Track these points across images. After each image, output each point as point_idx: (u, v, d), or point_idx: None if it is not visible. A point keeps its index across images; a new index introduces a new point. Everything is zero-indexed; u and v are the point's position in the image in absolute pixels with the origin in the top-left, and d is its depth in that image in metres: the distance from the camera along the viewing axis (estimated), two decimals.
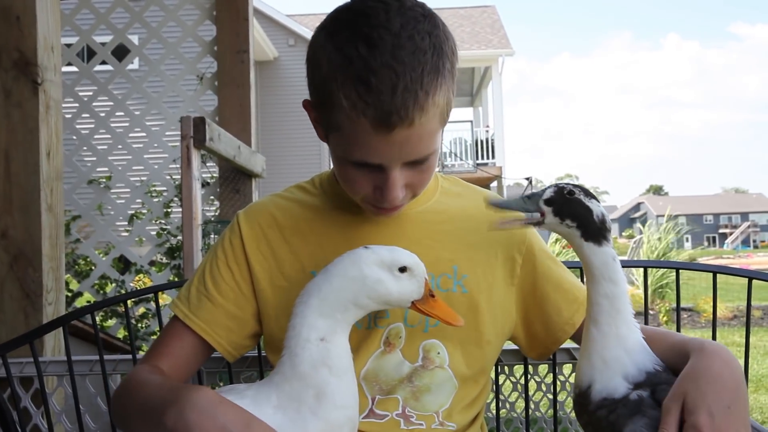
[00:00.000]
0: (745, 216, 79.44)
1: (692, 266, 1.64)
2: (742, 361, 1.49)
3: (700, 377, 0.95)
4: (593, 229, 1.01)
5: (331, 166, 1.22)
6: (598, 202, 1.04)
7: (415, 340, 1.17)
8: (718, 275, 1.54)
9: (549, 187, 1.04)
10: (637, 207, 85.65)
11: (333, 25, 1.04)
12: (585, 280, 1.05)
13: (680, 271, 1.57)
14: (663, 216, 10.62)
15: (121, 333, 3.90)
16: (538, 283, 1.23)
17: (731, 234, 74.62)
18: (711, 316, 1.55)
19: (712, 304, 1.57)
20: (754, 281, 1.51)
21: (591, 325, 1.04)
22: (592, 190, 1.06)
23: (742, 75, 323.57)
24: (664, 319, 7.73)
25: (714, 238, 75.76)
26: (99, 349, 1.54)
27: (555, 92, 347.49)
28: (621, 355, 1.01)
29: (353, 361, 1.14)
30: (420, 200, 1.20)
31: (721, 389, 0.94)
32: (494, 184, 15.58)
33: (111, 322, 3.80)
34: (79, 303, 3.76)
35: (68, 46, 3.58)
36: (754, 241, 73.97)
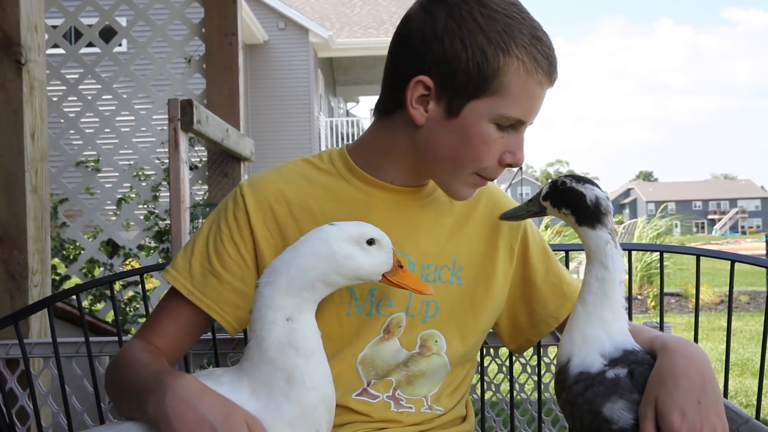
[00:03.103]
0: (733, 202, 79.93)
1: (676, 249, 1.66)
2: (728, 346, 1.51)
3: (666, 379, 0.98)
4: (585, 214, 1.05)
5: (322, 150, 1.22)
6: (595, 186, 1.07)
7: (413, 330, 1.17)
8: (704, 260, 1.56)
9: (546, 184, 1.11)
10: (627, 193, 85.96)
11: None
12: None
13: (669, 256, 1.59)
14: (652, 202, 10.70)
15: (110, 317, 3.89)
16: (527, 274, 1.26)
17: (720, 220, 75.14)
18: None
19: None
20: (742, 267, 1.54)
21: (578, 303, 1.08)
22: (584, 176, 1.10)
23: (735, 61, 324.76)
24: (653, 304, 7.78)
25: (702, 224, 76.19)
26: (84, 330, 1.53)
27: None
28: (601, 335, 1.04)
29: (352, 344, 1.14)
30: (428, 189, 1.20)
31: (688, 386, 0.97)
32: None
33: (100, 306, 3.79)
34: (67, 286, 3.74)
35: (54, 27, 3.53)
36: (742, 227, 74.50)
